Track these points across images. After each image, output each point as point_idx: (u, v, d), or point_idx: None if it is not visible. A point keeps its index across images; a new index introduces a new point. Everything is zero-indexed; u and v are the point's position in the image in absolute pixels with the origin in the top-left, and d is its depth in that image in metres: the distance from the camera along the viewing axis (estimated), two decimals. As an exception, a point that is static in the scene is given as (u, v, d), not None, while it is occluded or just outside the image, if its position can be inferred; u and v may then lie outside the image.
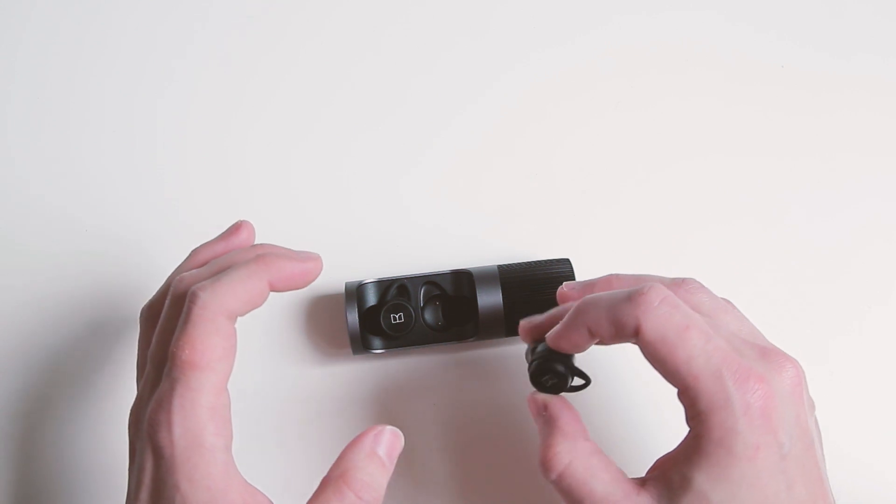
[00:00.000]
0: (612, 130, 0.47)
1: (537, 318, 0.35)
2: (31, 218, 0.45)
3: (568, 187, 0.46)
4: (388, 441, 0.32)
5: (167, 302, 0.32)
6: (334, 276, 0.42)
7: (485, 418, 0.42)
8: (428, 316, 0.40)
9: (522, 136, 0.47)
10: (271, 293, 0.32)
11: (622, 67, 0.48)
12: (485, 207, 0.45)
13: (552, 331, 0.33)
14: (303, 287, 0.33)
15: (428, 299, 0.41)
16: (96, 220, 0.45)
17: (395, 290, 0.41)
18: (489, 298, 0.39)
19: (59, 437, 0.42)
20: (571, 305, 0.32)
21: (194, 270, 0.33)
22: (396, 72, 0.48)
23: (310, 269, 0.33)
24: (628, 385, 0.42)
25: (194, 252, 0.36)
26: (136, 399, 0.32)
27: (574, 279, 0.40)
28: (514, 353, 0.43)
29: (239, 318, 0.31)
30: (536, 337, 0.34)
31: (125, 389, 0.42)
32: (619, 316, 0.29)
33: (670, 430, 0.31)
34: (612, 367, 0.42)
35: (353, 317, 0.39)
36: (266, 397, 0.42)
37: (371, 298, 0.40)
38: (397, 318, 0.39)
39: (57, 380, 0.43)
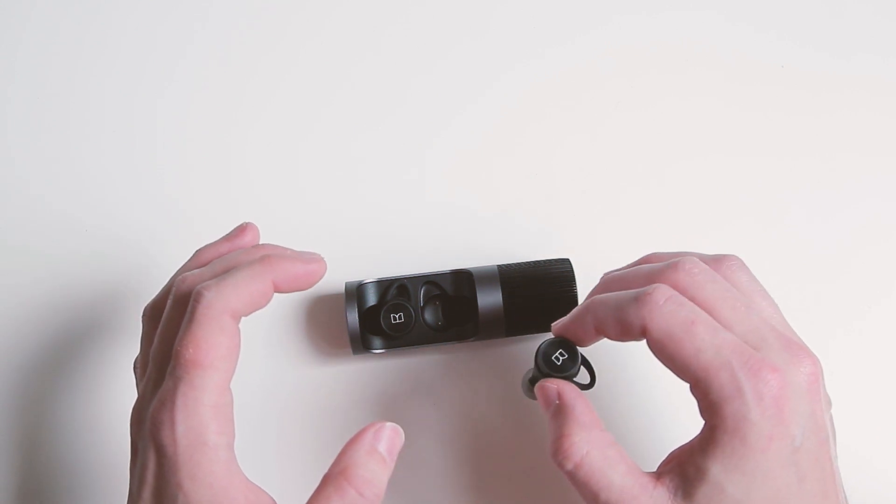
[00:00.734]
0: (612, 130, 0.47)
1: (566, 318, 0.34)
2: (31, 218, 0.45)
3: (568, 187, 0.46)
4: (389, 437, 0.31)
5: (170, 301, 0.32)
6: (334, 276, 0.42)
7: (484, 418, 0.42)
8: (428, 316, 0.40)
9: (522, 136, 0.47)
10: (275, 294, 0.32)
11: (622, 67, 0.48)
12: (485, 207, 0.45)
13: (559, 321, 0.33)
14: (307, 288, 0.33)
15: (428, 299, 0.41)
16: (96, 221, 0.45)
17: (395, 290, 0.41)
18: (489, 298, 0.39)
19: (59, 437, 0.42)
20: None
21: (197, 270, 0.33)
22: (396, 72, 0.48)
23: (314, 270, 0.33)
24: (635, 382, 0.42)
25: (198, 253, 0.36)
26: (139, 398, 0.32)
27: (574, 279, 0.40)
28: (514, 352, 0.43)
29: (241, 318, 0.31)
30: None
31: (126, 389, 0.42)
32: (625, 316, 0.30)
33: (680, 426, 0.31)
34: (619, 364, 0.42)
35: (353, 317, 0.39)
36: (266, 397, 0.42)
37: (371, 298, 0.40)
38: (397, 318, 0.39)
39: (57, 379, 0.43)
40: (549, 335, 0.40)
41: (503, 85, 0.48)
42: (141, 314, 0.35)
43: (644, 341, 0.30)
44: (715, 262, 0.32)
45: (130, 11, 0.49)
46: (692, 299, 0.30)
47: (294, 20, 0.49)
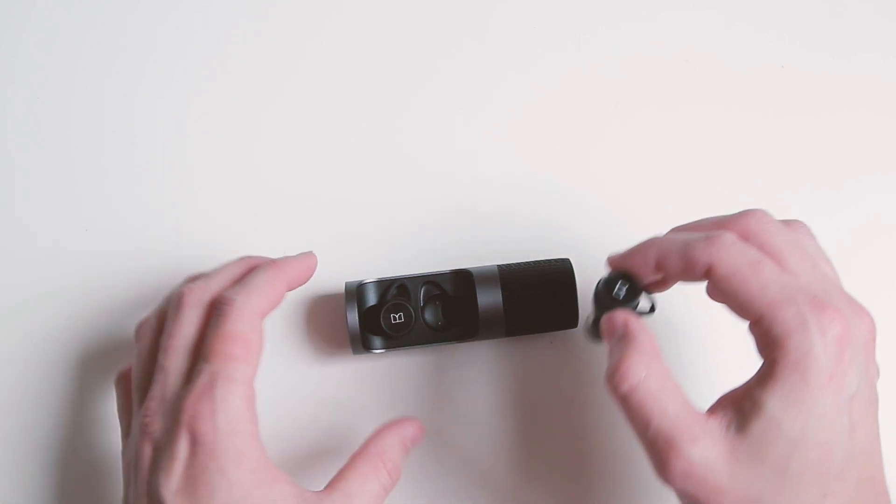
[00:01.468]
0: (613, 130, 0.47)
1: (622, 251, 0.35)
2: (30, 218, 0.45)
3: (568, 187, 0.46)
4: (416, 434, 0.36)
5: (183, 310, 0.34)
6: (334, 276, 0.42)
7: (485, 418, 0.42)
8: (428, 316, 0.40)
9: (522, 136, 0.47)
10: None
11: (622, 67, 0.48)
12: (485, 207, 0.45)
13: (617, 253, 0.34)
14: (305, 283, 0.38)
15: (428, 299, 0.40)
16: (96, 221, 0.45)
17: (395, 290, 0.40)
18: (489, 298, 0.39)
19: (57, 437, 0.42)
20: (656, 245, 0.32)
21: (201, 282, 0.35)
22: (396, 75, 0.48)
23: (312, 264, 0.38)
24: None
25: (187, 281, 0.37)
26: (153, 399, 0.33)
27: (574, 279, 0.40)
28: (515, 352, 0.43)
29: None
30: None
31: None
32: (692, 253, 0.30)
33: (727, 378, 0.31)
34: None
35: (353, 317, 0.39)
36: (265, 396, 0.42)
37: (371, 298, 0.40)
38: (397, 317, 0.39)
39: (56, 379, 0.43)
40: (550, 335, 0.40)
41: (503, 85, 0.48)
42: (136, 328, 0.37)
43: (701, 281, 0.31)
44: (785, 223, 0.33)
45: (130, 11, 0.49)
46: (762, 245, 0.31)
47: (295, 20, 0.49)
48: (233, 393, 0.31)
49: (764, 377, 0.28)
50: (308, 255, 0.38)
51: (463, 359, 0.43)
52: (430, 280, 0.41)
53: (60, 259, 0.44)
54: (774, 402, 0.28)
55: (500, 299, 0.39)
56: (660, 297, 0.36)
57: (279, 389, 0.42)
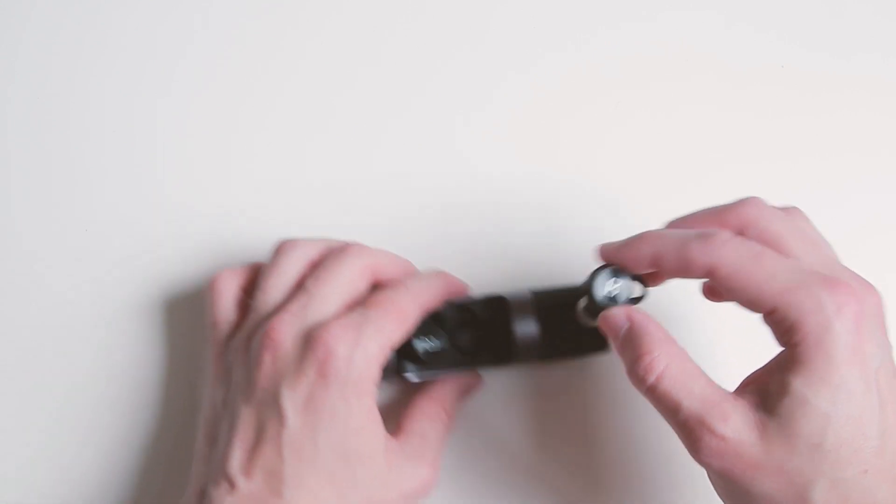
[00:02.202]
0: (613, 130, 0.47)
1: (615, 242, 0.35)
2: (30, 218, 0.45)
3: (568, 187, 0.46)
4: (472, 382, 0.40)
5: (350, 264, 0.36)
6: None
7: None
8: (461, 341, 0.39)
9: (522, 136, 0.47)
10: None
11: (621, 67, 0.48)
12: (484, 207, 0.45)
13: (608, 244, 0.34)
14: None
15: (460, 323, 0.39)
16: (96, 221, 0.45)
17: (430, 316, 0.38)
18: (524, 324, 0.38)
19: (54, 435, 0.42)
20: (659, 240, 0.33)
21: (379, 253, 0.37)
22: (396, 75, 0.48)
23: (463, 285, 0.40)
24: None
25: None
26: (283, 314, 0.34)
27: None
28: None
29: None
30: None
31: (127, 387, 0.42)
32: (689, 253, 0.30)
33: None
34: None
35: None
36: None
37: None
38: (429, 344, 0.38)
39: (56, 379, 0.43)
40: (584, 359, 0.40)
41: (503, 85, 0.48)
42: (282, 241, 0.38)
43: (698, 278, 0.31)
44: (782, 209, 0.33)
45: (131, 11, 0.49)
46: (760, 233, 0.31)
47: (295, 20, 0.49)
48: (376, 341, 0.32)
49: (787, 360, 0.28)
50: (463, 283, 0.39)
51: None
52: (463, 304, 0.39)
53: (60, 259, 0.44)
54: (800, 382, 0.28)
55: (535, 325, 0.38)
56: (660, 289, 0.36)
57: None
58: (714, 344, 0.42)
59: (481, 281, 0.42)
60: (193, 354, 0.42)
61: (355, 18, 0.49)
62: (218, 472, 0.32)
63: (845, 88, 0.48)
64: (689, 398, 0.29)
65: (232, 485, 0.31)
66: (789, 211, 0.33)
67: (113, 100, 0.47)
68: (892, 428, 0.28)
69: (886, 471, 0.28)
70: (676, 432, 0.30)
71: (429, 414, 0.37)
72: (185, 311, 0.43)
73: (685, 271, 0.31)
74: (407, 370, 0.38)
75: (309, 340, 0.32)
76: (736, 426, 0.28)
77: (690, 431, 0.29)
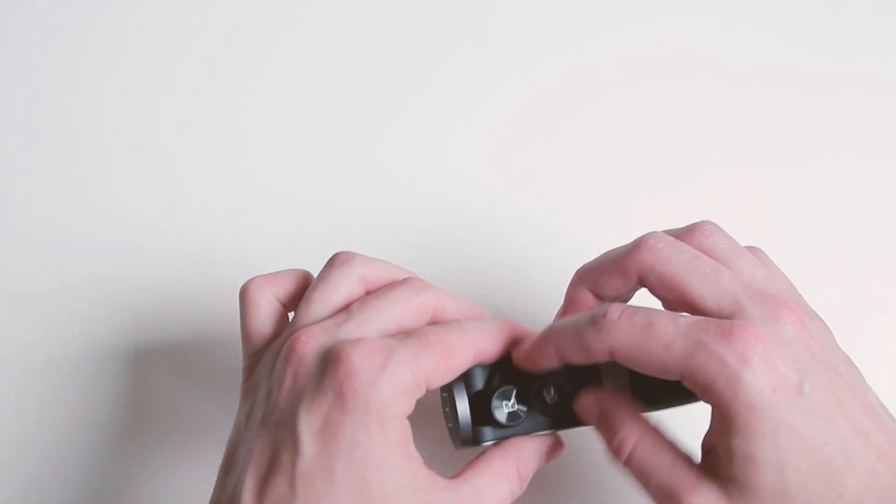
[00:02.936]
0: (612, 130, 0.47)
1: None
2: (30, 218, 0.45)
3: (568, 187, 0.46)
4: (555, 448, 0.34)
5: (408, 293, 0.32)
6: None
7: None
8: (544, 400, 0.33)
9: (522, 136, 0.47)
10: None
11: (622, 67, 0.48)
12: (485, 207, 0.45)
13: (521, 350, 0.32)
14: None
15: (538, 380, 0.33)
16: (96, 221, 0.45)
17: (502, 373, 0.33)
18: (613, 375, 0.33)
19: (56, 438, 0.42)
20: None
21: (440, 291, 0.33)
22: (396, 75, 0.48)
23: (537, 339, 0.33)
24: None
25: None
26: (313, 329, 0.30)
27: None
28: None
29: None
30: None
31: (127, 386, 0.42)
32: (586, 343, 0.29)
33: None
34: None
35: (464, 407, 0.32)
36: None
37: (478, 383, 0.33)
38: (510, 405, 0.32)
39: (55, 380, 0.43)
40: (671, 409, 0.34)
41: (503, 85, 0.48)
42: (340, 255, 0.33)
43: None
44: (687, 233, 0.32)
45: (131, 11, 0.49)
46: (659, 278, 0.30)
47: (296, 20, 0.49)
48: (409, 368, 0.28)
49: (718, 422, 0.28)
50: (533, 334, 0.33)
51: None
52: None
53: (60, 259, 0.44)
54: (739, 441, 0.27)
55: (626, 374, 0.33)
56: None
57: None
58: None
59: (486, 285, 0.42)
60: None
61: (355, 18, 0.49)
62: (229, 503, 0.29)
63: (845, 88, 0.48)
64: (658, 473, 0.29)
65: None
66: (694, 232, 0.32)
67: (113, 100, 0.47)
68: (850, 440, 0.28)
69: (862, 484, 0.27)
70: (651, 502, 0.30)
71: (497, 471, 0.31)
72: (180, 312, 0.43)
73: (590, 360, 0.30)
74: (485, 438, 0.33)
75: (331, 356, 0.28)
76: (703, 497, 0.28)
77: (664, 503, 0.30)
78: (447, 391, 0.33)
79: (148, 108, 0.47)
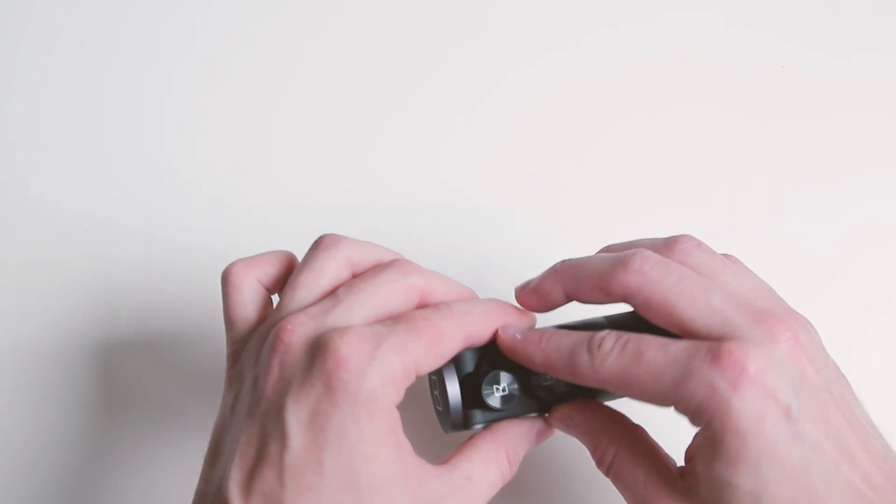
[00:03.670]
0: (612, 130, 0.47)
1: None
2: (30, 218, 0.45)
3: (568, 188, 0.46)
4: (544, 430, 0.33)
5: (394, 275, 0.31)
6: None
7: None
8: (536, 381, 0.33)
9: (522, 136, 0.47)
10: None
11: (621, 67, 0.48)
12: (484, 207, 0.45)
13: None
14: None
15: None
16: (96, 221, 0.45)
17: (490, 353, 0.33)
18: None
19: (55, 439, 0.42)
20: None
21: (430, 273, 0.32)
22: (396, 75, 0.48)
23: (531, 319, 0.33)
24: None
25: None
26: (299, 316, 0.30)
27: None
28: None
29: None
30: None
31: (127, 386, 0.42)
32: (577, 368, 0.30)
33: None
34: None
35: (455, 390, 0.32)
36: None
37: (468, 365, 0.32)
38: (502, 388, 0.32)
39: (55, 381, 0.43)
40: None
41: (503, 85, 0.48)
42: (325, 237, 0.32)
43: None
44: (667, 248, 0.31)
45: (131, 11, 0.49)
46: (647, 300, 0.29)
47: (296, 20, 0.49)
48: (398, 356, 0.28)
49: (703, 445, 0.28)
50: (527, 313, 0.33)
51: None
52: None
53: (60, 259, 0.44)
54: (720, 466, 0.27)
55: None
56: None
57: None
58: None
59: (486, 285, 0.42)
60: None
61: (355, 18, 0.49)
62: (216, 495, 0.29)
63: (845, 88, 0.48)
64: (636, 482, 0.30)
65: None
66: (674, 248, 0.32)
67: (113, 100, 0.47)
68: (834, 464, 0.27)
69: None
70: None
71: (486, 455, 0.31)
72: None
73: (583, 381, 0.30)
74: (475, 422, 0.32)
75: (319, 346, 0.28)
76: None
77: None
78: (437, 374, 0.32)
79: (148, 109, 0.47)
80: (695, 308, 0.29)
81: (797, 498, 0.27)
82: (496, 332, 0.32)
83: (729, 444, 0.27)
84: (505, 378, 0.32)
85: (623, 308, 0.32)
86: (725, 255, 0.33)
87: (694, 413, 0.28)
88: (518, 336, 0.31)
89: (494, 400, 0.32)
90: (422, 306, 0.31)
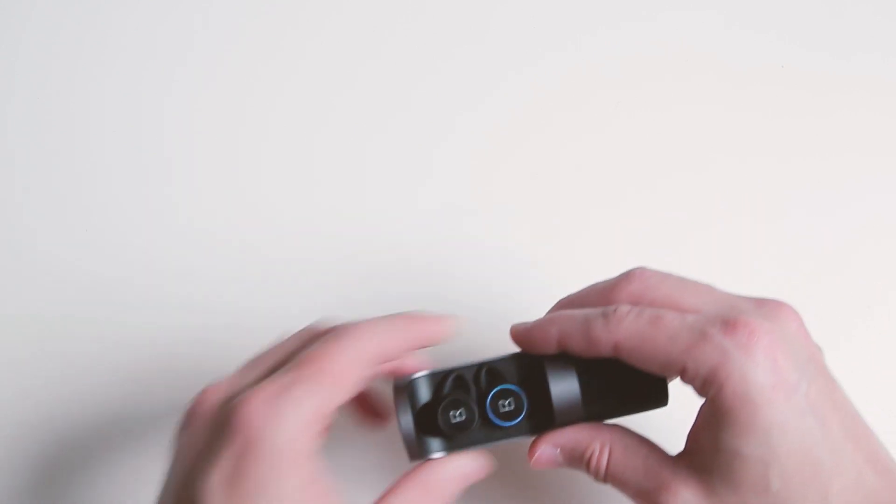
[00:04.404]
0: (613, 130, 0.47)
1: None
2: (30, 218, 0.45)
3: (568, 188, 0.46)
4: (477, 470, 0.32)
5: (296, 334, 0.32)
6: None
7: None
8: (491, 409, 0.32)
9: (522, 136, 0.47)
10: None
11: (621, 67, 0.48)
12: (484, 206, 0.45)
13: (520, 325, 0.32)
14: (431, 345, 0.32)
15: (489, 389, 0.32)
16: (96, 221, 0.45)
17: (452, 383, 0.33)
18: (562, 383, 0.32)
19: (52, 438, 0.42)
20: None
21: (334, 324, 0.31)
22: (395, 75, 0.48)
23: (447, 327, 0.32)
24: None
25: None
26: (218, 386, 0.30)
27: None
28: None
29: None
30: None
31: (126, 387, 0.42)
32: (593, 332, 0.30)
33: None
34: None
35: (408, 420, 0.31)
36: None
37: (424, 395, 0.32)
38: (457, 415, 0.31)
39: (56, 381, 0.43)
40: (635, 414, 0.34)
41: (503, 85, 0.48)
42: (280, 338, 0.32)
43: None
44: (625, 282, 0.32)
45: (131, 11, 0.49)
46: (652, 302, 0.30)
47: (296, 20, 0.49)
48: (308, 402, 0.28)
49: (711, 414, 0.28)
50: (444, 317, 0.32)
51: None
52: (490, 366, 0.33)
53: (60, 259, 0.44)
54: (728, 434, 0.27)
55: (576, 382, 0.32)
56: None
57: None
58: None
59: (485, 284, 0.42)
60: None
61: (355, 18, 0.49)
62: None
63: (845, 88, 0.48)
64: (633, 475, 0.30)
65: None
66: (628, 281, 0.32)
67: (113, 100, 0.47)
68: (843, 441, 0.28)
69: (850, 487, 0.27)
70: None
71: (409, 500, 0.30)
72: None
73: (591, 350, 0.30)
74: (432, 450, 0.32)
75: (227, 414, 0.28)
76: (679, 495, 0.29)
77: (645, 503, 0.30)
78: (394, 403, 0.32)
79: (148, 109, 0.47)
80: (701, 298, 0.30)
81: (804, 470, 0.27)
82: (414, 341, 0.31)
83: (739, 412, 0.27)
84: (463, 404, 0.31)
85: None
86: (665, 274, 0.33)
87: (704, 380, 0.28)
88: (528, 322, 0.32)
89: (449, 427, 0.31)
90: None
